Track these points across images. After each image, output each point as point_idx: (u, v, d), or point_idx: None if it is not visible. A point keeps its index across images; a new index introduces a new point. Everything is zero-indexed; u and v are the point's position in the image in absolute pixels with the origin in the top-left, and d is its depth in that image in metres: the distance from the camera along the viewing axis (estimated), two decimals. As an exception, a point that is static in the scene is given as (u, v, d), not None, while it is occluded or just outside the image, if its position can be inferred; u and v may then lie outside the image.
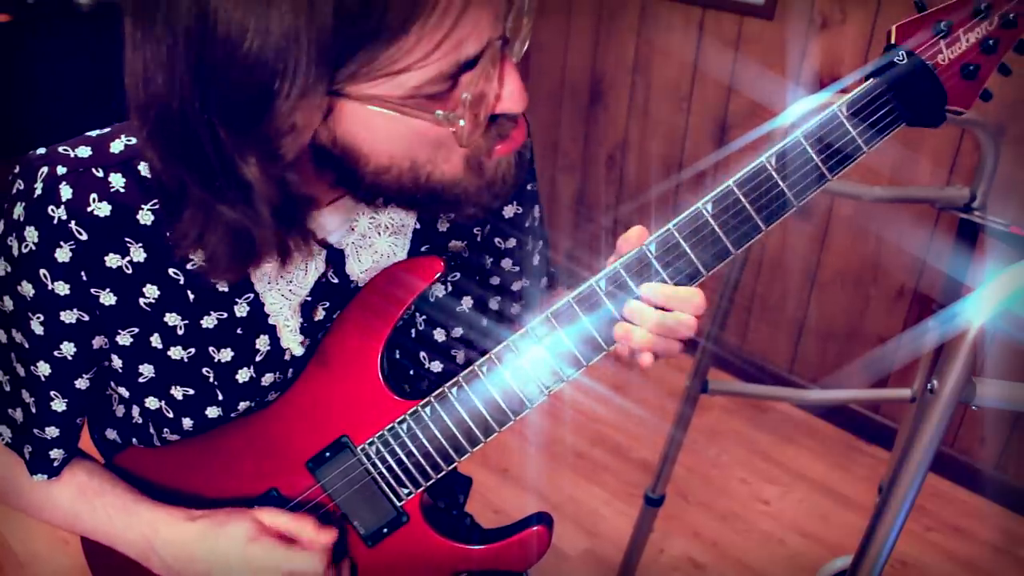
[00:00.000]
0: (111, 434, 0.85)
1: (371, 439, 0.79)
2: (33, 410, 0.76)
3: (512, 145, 0.68)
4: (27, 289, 0.70)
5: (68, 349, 0.73)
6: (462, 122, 0.62)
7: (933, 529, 2.08)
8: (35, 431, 0.77)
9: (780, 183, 0.69)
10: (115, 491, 0.81)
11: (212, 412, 0.77)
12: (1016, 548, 2.05)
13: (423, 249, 0.83)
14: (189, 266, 0.71)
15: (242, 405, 0.78)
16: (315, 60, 0.55)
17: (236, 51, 0.55)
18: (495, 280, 0.91)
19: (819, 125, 0.69)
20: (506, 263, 0.91)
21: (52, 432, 0.77)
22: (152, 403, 0.77)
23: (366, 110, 0.60)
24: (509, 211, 0.88)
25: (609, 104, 2.69)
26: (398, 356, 0.85)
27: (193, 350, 0.75)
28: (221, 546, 0.78)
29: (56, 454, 0.79)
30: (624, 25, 2.56)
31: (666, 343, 0.72)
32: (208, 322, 0.74)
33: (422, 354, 0.86)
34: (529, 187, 0.90)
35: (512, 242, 0.90)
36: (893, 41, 0.69)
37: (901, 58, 0.69)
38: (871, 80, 0.69)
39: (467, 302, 0.87)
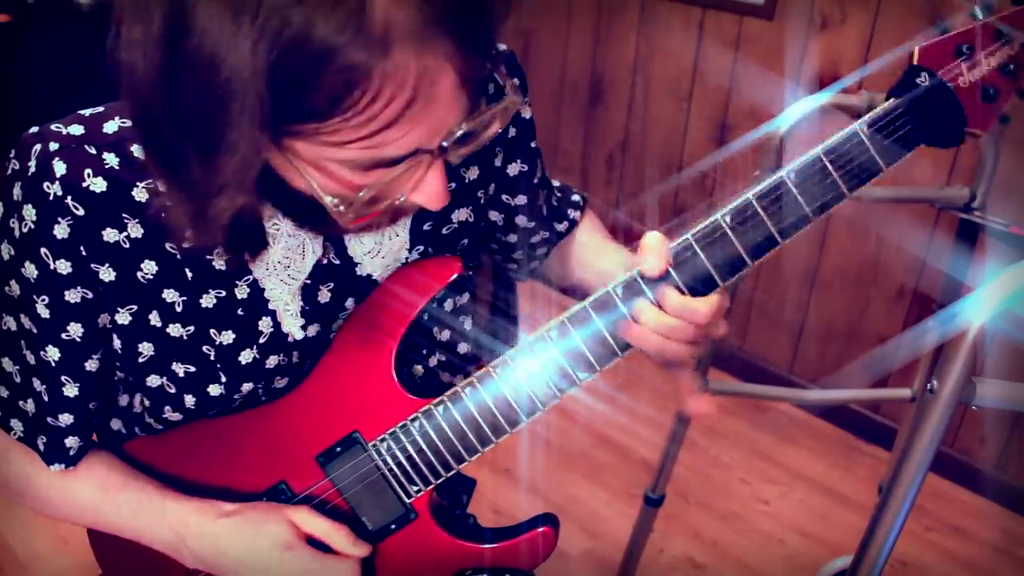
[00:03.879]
0: (116, 424, 0.86)
1: (382, 436, 0.80)
2: (45, 398, 0.76)
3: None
4: (31, 270, 0.70)
5: (76, 330, 0.73)
6: (342, 208, 0.62)
7: (933, 529, 2.08)
8: (48, 420, 0.77)
9: (798, 197, 0.70)
10: (138, 484, 0.81)
11: (214, 390, 0.77)
12: (1016, 548, 2.05)
13: (426, 226, 0.83)
14: (185, 243, 0.72)
15: (245, 386, 0.79)
16: (258, 116, 0.54)
17: (200, 69, 0.54)
18: (512, 238, 0.92)
19: (840, 142, 0.70)
20: (520, 220, 0.92)
21: (66, 419, 0.77)
22: (154, 380, 0.77)
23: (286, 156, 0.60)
24: (514, 169, 0.89)
25: (609, 104, 2.69)
26: (411, 343, 0.85)
27: (192, 328, 0.75)
28: (256, 546, 0.78)
29: (72, 442, 0.79)
30: (624, 25, 2.56)
31: (667, 344, 0.73)
32: (207, 301, 0.74)
33: (434, 327, 0.86)
34: (532, 144, 0.90)
35: (522, 199, 0.91)
36: (916, 61, 0.70)
37: (924, 79, 0.70)
38: (893, 99, 0.70)
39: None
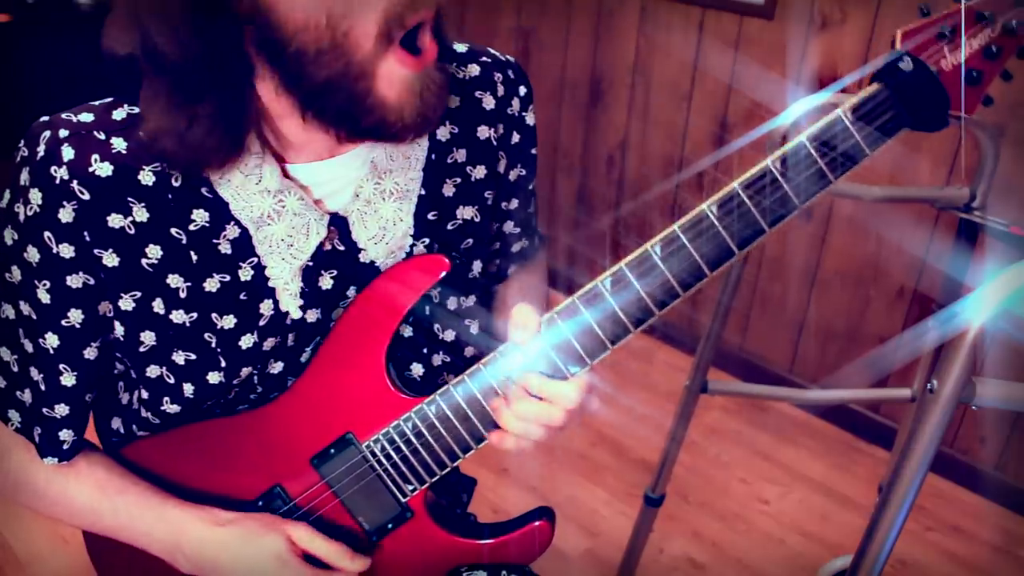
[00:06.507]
0: (115, 423, 0.85)
1: (376, 436, 0.80)
2: (42, 387, 0.76)
3: (425, 15, 0.66)
4: (33, 255, 0.71)
5: (76, 316, 0.73)
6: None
7: (933, 529, 2.08)
8: (44, 410, 0.77)
9: (784, 185, 0.70)
10: (137, 489, 0.81)
11: (214, 378, 0.77)
12: (1016, 548, 2.05)
13: (431, 216, 0.83)
14: (191, 227, 0.72)
15: (244, 371, 0.79)
16: None
17: None
18: (496, 244, 0.93)
19: (823, 128, 0.70)
20: (508, 225, 0.92)
21: (62, 410, 0.77)
22: (153, 371, 0.77)
23: None
24: (513, 174, 0.89)
25: (609, 104, 2.69)
26: (410, 334, 0.85)
27: (195, 315, 0.75)
28: (251, 558, 0.79)
29: (66, 435, 0.79)
30: (624, 25, 2.56)
31: (527, 427, 0.76)
32: (211, 285, 0.75)
33: (436, 326, 0.87)
34: (533, 151, 0.91)
35: (515, 203, 0.91)
36: (898, 46, 0.69)
37: (906, 64, 0.69)
38: (875, 84, 0.70)
39: (477, 266, 0.88)
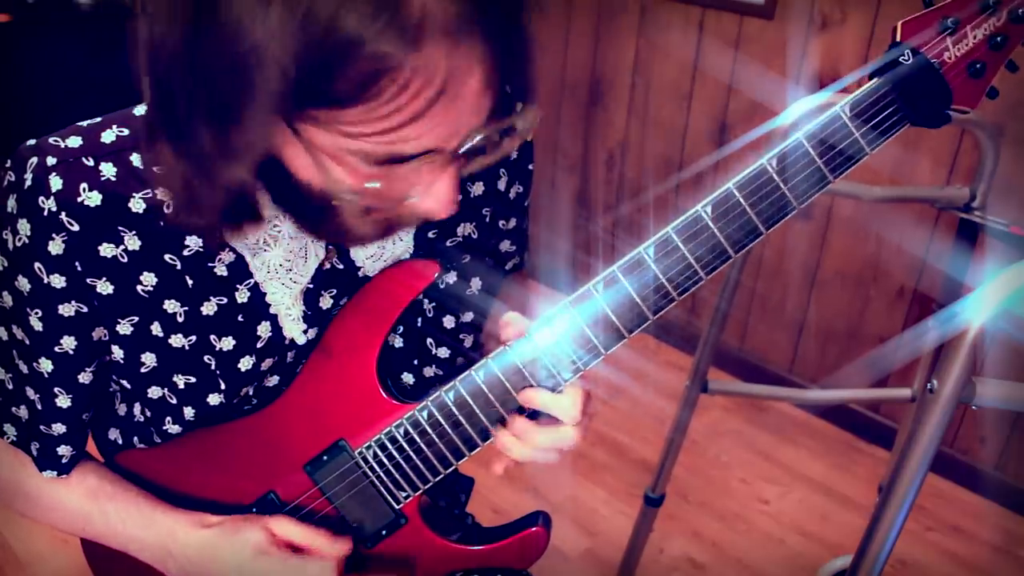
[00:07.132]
0: (113, 434, 0.85)
1: (368, 443, 0.79)
2: (39, 407, 0.76)
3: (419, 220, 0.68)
4: (24, 284, 0.70)
5: (69, 343, 0.72)
6: (349, 198, 0.61)
7: (933, 529, 2.08)
8: (41, 428, 0.77)
9: (781, 185, 0.67)
10: (128, 495, 0.81)
11: (214, 399, 0.77)
12: (1016, 548, 2.05)
13: (431, 234, 0.82)
14: (186, 252, 0.71)
15: (243, 391, 0.78)
16: (278, 94, 0.54)
17: (225, 51, 0.55)
18: (489, 261, 0.92)
19: (821, 126, 0.67)
20: (504, 244, 0.91)
21: (59, 428, 0.77)
22: (155, 392, 0.77)
23: (299, 144, 0.59)
24: (512, 192, 0.88)
25: (609, 104, 2.68)
26: (402, 344, 0.85)
27: (194, 337, 0.74)
28: (234, 554, 0.78)
29: (64, 451, 0.78)
30: (624, 25, 2.56)
31: (544, 454, 0.75)
32: (208, 308, 0.74)
33: (429, 341, 0.86)
34: (530, 167, 0.90)
35: (513, 222, 0.90)
36: (898, 38, 0.66)
37: (906, 57, 0.66)
38: (875, 80, 0.67)
39: (476, 283, 0.87)
